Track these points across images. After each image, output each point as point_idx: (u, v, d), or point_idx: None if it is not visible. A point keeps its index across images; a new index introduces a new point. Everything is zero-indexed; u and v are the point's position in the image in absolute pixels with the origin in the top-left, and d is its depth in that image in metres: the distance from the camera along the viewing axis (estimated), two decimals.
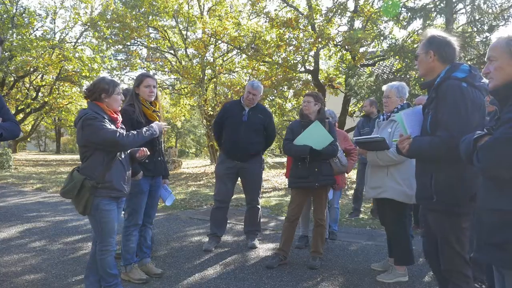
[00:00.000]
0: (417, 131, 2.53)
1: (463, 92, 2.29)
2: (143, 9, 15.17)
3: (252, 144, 4.62)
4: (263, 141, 4.82)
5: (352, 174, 11.57)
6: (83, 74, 18.77)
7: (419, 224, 5.20)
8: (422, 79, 2.84)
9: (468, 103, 2.27)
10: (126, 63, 18.70)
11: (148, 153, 3.17)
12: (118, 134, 2.82)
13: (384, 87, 3.86)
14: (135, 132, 2.99)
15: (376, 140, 3.47)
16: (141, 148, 3.12)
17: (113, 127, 2.93)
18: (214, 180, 5.23)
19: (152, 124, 3.22)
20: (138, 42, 17.40)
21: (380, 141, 3.43)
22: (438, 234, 2.49)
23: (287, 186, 4.42)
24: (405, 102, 3.73)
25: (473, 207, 2.05)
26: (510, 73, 1.76)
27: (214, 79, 16.37)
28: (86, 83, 20.10)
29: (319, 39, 12.16)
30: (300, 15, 13.76)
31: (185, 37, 16.87)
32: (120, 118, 3.05)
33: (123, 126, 3.13)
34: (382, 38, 10.99)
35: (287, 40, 13.26)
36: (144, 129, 3.09)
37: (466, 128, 2.17)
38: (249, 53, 14.01)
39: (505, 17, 8.97)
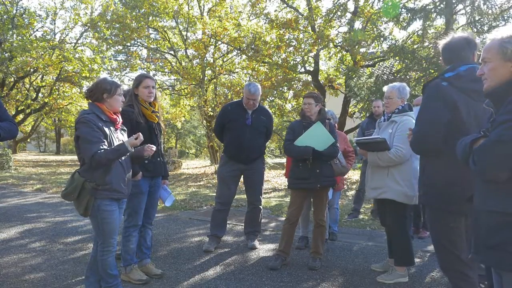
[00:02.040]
0: None
1: (438, 91, 2.41)
2: (143, 10, 15.17)
3: (257, 147, 4.61)
4: (265, 142, 4.82)
5: (352, 175, 11.59)
6: (83, 74, 18.78)
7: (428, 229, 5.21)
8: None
9: (440, 101, 2.38)
10: (126, 64, 18.73)
11: (154, 148, 3.18)
12: (93, 154, 2.73)
13: (385, 88, 3.85)
14: (108, 150, 2.82)
15: (377, 141, 3.47)
16: (145, 147, 3.11)
17: (111, 129, 2.93)
18: (214, 181, 5.23)
19: (124, 142, 2.91)
20: (138, 43, 17.42)
21: (381, 142, 3.43)
22: (431, 231, 2.54)
23: (287, 187, 4.42)
24: (406, 103, 3.72)
25: (469, 208, 2.07)
26: (504, 74, 1.76)
27: (214, 80, 16.38)
28: (86, 84, 20.14)
29: (319, 40, 12.17)
30: (300, 16, 13.77)
31: (185, 37, 16.87)
32: (120, 119, 3.05)
33: (124, 128, 3.14)
34: (382, 39, 10.99)
35: (287, 41, 13.26)
36: (116, 147, 2.87)
37: (433, 125, 2.29)
38: (249, 54, 14.02)
39: (505, 17, 8.96)
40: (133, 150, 2.95)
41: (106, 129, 2.87)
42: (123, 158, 2.96)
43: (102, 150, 2.76)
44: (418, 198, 2.76)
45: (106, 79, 3.01)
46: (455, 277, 2.47)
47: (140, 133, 2.99)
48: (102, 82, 2.97)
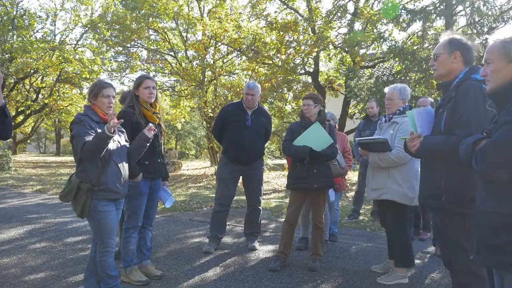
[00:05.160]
0: (427, 131, 2.50)
1: (484, 94, 2.25)
2: (143, 11, 15.16)
3: (257, 148, 4.61)
4: (264, 143, 4.82)
5: (353, 176, 11.58)
6: (83, 76, 18.76)
7: (429, 230, 5.19)
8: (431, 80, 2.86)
9: (486, 105, 2.27)
10: (126, 65, 18.68)
11: (152, 126, 3.16)
12: (82, 145, 2.75)
13: (386, 89, 3.85)
14: (92, 137, 2.79)
15: (378, 142, 3.47)
16: (145, 130, 3.12)
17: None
18: (214, 182, 5.22)
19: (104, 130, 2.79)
20: (138, 44, 17.39)
21: (382, 143, 3.43)
22: (447, 235, 2.47)
23: (286, 187, 4.44)
24: (406, 104, 3.72)
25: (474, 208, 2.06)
26: (506, 75, 1.76)
27: (214, 81, 16.36)
28: (86, 85, 20.15)
29: (319, 41, 12.18)
30: (300, 18, 13.78)
31: (185, 39, 16.86)
32: None
33: (122, 129, 3.13)
34: (382, 40, 11.00)
35: (287, 43, 13.26)
36: (96, 134, 2.82)
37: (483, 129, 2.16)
38: (249, 55, 14.02)
39: (505, 19, 8.97)
40: (112, 135, 2.75)
41: (99, 130, 2.87)
42: (118, 159, 2.96)
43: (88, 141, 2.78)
44: (426, 202, 2.57)
45: (95, 81, 3.06)
46: (468, 278, 2.43)
47: (151, 124, 3.11)
48: (92, 84, 3.03)
